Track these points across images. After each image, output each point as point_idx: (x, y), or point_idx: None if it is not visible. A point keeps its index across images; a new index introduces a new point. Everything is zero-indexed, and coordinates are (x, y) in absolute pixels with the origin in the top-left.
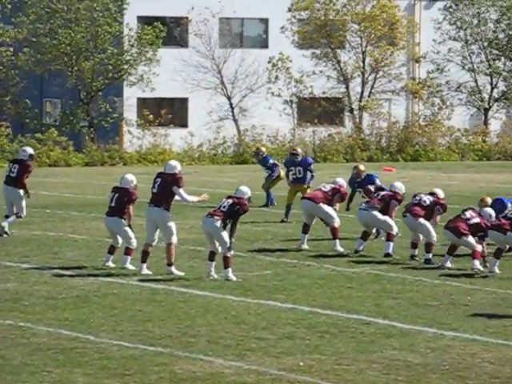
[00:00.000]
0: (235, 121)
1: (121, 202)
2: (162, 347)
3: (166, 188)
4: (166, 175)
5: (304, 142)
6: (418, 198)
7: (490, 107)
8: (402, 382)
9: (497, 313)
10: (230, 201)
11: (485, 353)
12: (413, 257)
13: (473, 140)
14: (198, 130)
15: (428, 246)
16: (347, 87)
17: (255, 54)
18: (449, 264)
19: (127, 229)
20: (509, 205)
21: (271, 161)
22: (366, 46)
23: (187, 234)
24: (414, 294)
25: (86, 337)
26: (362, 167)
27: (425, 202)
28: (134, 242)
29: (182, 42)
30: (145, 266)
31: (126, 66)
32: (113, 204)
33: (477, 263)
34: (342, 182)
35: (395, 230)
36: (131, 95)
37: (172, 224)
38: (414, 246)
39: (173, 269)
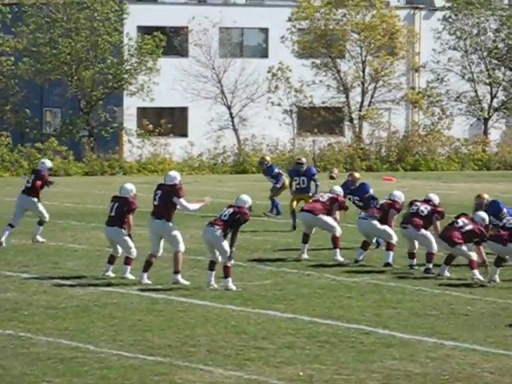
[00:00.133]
0: (235, 130)
1: (121, 211)
2: (161, 357)
3: (166, 200)
4: (166, 186)
5: (304, 151)
6: (414, 207)
7: (490, 117)
8: None
9: (497, 323)
10: (231, 210)
11: (485, 363)
12: (412, 266)
13: (473, 150)
14: (198, 139)
15: (429, 256)
16: (347, 97)
17: (255, 64)
18: (447, 273)
19: (127, 238)
20: (504, 210)
21: (276, 170)
22: (366, 56)
23: (187, 244)
24: (413, 303)
25: (85, 346)
26: (357, 175)
27: (422, 211)
28: (134, 252)
29: (182, 52)
30: (145, 275)
31: (126, 76)
32: (112, 214)
33: (476, 273)
34: (340, 190)
35: (395, 239)
36: (131, 105)
37: (177, 233)
38: (412, 255)
39: (179, 277)
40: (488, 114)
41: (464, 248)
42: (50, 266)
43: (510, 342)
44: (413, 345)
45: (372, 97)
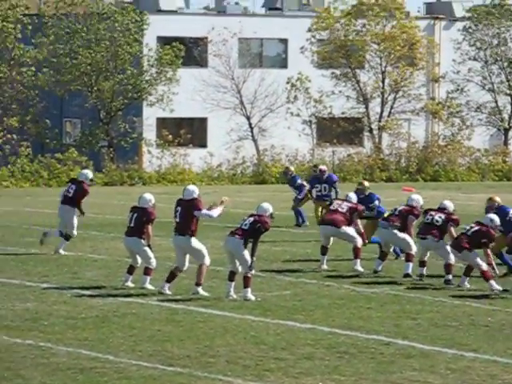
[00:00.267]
0: (254, 141)
1: (140, 222)
2: (180, 367)
3: (187, 215)
4: (184, 202)
5: (323, 161)
6: (429, 216)
7: (511, 127)
8: None
9: None
10: (251, 219)
11: (505, 374)
12: (421, 276)
13: (493, 160)
14: (218, 149)
15: (447, 267)
16: (367, 107)
17: (274, 74)
18: (467, 284)
19: (146, 249)
20: (511, 212)
21: (299, 181)
22: (386, 66)
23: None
24: (433, 314)
25: (105, 357)
26: (366, 183)
27: (437, 221)
28: (154, 262)
29: (201, 62)
30: (167, 286)
31: (145, 86)
32: (132, 224)
33: (493, 284)
34: (355, 197)
35: (414, 249)
36: (151, 115)
37: (202, 247)
38: (423, 264)
39: (200, 289)
40: (508, 124)
41: (472, 254)
42: (69, 276)
43: None
44: (433, 356)
45: (392, 107)
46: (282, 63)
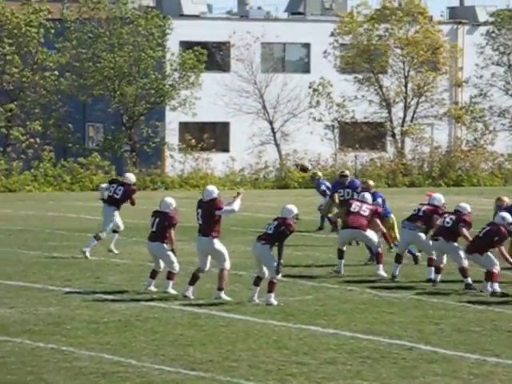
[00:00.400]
0: (277, 145)
1: (162, 226)
2: (203, 372)
3: (209, 216)
4: (205, 203)
5: (346, 166)
6: (442, 219)
7: None
8: None
9: None
10: (275, 222)
11: None
12: (434, 282)
13: None
14: (240, 154)
15: (462, 271)
16: (389, 112)
17: (297, 79)
18: (489, 289)
19: (170, 253)
20: None
21: (322, 187)
22: (409, 71)
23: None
24: (456, 319)
25: (127, 361)
26: (371, 183)
27: (448, 223)
28: (177, 267)
29: (224, 67)
30: (191, 288)
31: (168, 90)
32: (154, 229)
33: (495, 286)
34: (369, 197)
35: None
36: (173, 120)
37: (224, 250)
38: (438, 270)
39: (222, 294)
40: None
41: (483, 258)
42: (92, 281)
43: None
44: (455, 361)
45: (414, 112)
46: (305, 68)
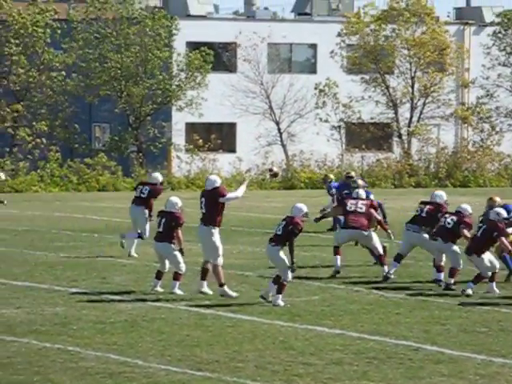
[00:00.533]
0: (283, 146)
1: (168, 226)
2: (209, 372)
3: (212, 204)
4: (208, 192)
5: (352, 167)
6: (443, 219)
7: None
8: None
9: None
10: (284, 222)
11: None
12: (438, 281)
13: None
14: (247, 155)
15: (452, 271)
16: (396, 112)
17: (304, 80)
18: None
19: (177, 253)
20: None
21: (334, 190)
22: (415, 72)
23: (235, 259)
24: (462, 320)
25: (134, 361)
26: (361, 182)
27: (449, 223)
28: (183, 267)
29: (230, 67)
30: (205, 283)
31: (175, 91)
32: (161, 229)
33: (492, 286)
34: (363, 193)
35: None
36: (180, 120)
37: (219, 245)
38: (439, 269)
39: (225, 288)
40: None
41: (479, 259)
42: (98, 281)
43: None
44: (462, 361)
45: (421, 113)
46: (311, 68)
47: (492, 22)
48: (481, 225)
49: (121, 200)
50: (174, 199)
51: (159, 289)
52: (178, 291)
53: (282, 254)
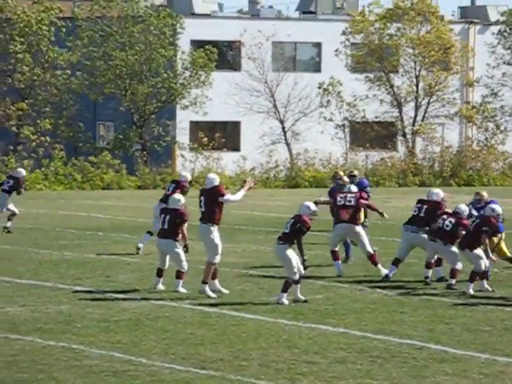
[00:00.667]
0: (288, 144)
1: (173, 223)
2: (213, 370)
3: (211, 203)
4: (207, 190)
5: (356, 166)
6: (441, 221)
7: None
8: None
9: None
10: (292, 220)
11: None
12: (425, 278)
13: None
14: (251, 153)
15: (452, 272)
16: (400, 111)
17: (308, 78)
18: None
19: (180, 251)
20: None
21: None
22: (420, 71)
23: (239, 258)
24: (466, 319)
25: (138, 360)
26: (346, 179)
27: (447, 226)
28: (185, 265)
29: (234, 66)
30: (216, 281)
31: (179, 89)
32: (165, 226)
33: (483, 284)
34: (355, 187)
35: None
36: (184, 118)
37: (218, 243)
38: (428, 266)
39: (206, 288)
40: None
41: (473, 254)
42: (102, 279)
43: None
44: (465, 361)
45: (425, 112)
46: (316, 67)
47: (497, 21)
48: (474, 219)
49: (125, 198)
50: (177, 196)
51: (161, 286)
52: (181, 289)
53: (289, 252)
